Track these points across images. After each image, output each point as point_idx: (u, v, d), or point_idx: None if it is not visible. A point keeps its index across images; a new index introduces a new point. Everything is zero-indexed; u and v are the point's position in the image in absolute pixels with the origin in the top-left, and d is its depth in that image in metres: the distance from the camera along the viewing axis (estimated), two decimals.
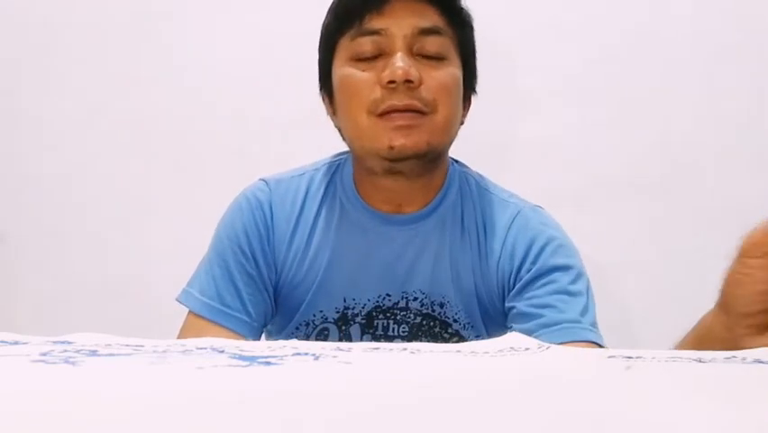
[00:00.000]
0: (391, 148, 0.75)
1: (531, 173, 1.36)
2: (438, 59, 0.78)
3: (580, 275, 0.81)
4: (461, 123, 0.86)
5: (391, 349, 0.43)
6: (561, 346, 0.45)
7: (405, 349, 0.43)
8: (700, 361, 0.38)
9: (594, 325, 0.79)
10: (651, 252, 1.38)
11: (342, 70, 0.79)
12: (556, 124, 1.39)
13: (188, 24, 1.46)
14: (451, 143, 0.83)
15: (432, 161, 0.80)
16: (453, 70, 0.80)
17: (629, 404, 0.29)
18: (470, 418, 0.27)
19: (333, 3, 0.82)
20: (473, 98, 0.88)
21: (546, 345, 0.44)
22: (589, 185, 1.38)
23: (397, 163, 0.77)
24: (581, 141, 1.39)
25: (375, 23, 0.77)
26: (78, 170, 1.48)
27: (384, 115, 0.76)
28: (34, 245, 1.50)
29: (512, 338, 0.46)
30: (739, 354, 0.40)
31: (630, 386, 0.33)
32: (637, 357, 0.39)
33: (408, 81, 0.74)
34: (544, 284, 0.79)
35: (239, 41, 1.44)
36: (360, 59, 0.78)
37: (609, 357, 0.40)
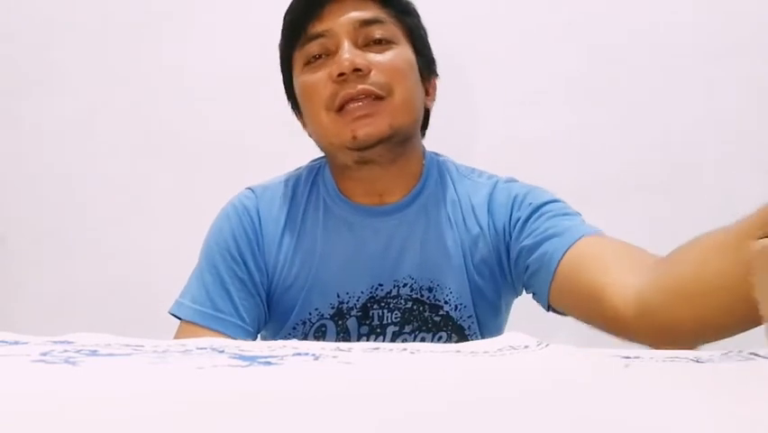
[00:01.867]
0: (354, 138, 0.77)
1: (532, 173, 1.36)
2: (386, 43, 0.80)
3: (569, 206, 0.83)
4: (429, 107, 0.88)
5: (391, 349, 0.43)
6: (560, 345, 0.45)
7: (405, 349, 0.43)
8: (698, 361, 0.39)
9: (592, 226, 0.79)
10: (652, 252, 1.39)
11: (299, 79, 0.83)
12: (558, 124, 1.39)
13: (189, 25, 1.46)
14: (416, 125, 0.84)
15: (400, 144, 0.81)
16: (404, 51, 0.82)
17: (627, 403, 0.29)
18: (469, 418, 0.27)
19: (282, 24, 0.85)
20: (438, 82, 0.90)
21: (545, 342, 0.44)
22: (590, 185, 1.38)
23: (365, 152, 0.79)
24: (582, 141, 1.39)
25: (317, 27, 0.80)
26: (78, 171, 1.48)
27: (342, 108, 0.78)
28: (34, 246, 1.50)
29: (511, 337, 0.46)
30: (735, 349, 0.41)
31: (628, 385, 0.33)
32: (635, 357, 0.40)
33: (357, 70, 0.77)
34: (539, 216, 0.80)
35: (239, 42, 1.44)
36: (311, 64, 0.81)
37: (608, 357, 0.40)
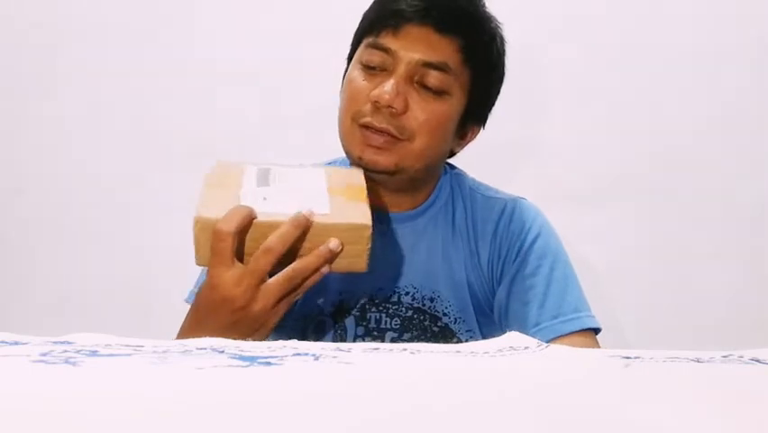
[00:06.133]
0: (360, 158, 0.79)
1: (531, 174, 1.36)
2: (436, 93, 0.79)
3: (555, 263, 0.84)
4: (456, 151, 0.89)
5: (391, 349, 0.43)
6: (560, 346, 0.45)
7: (405, 350, 0.43)
8: (698, 361, 0.39)
9: (576, 309, 0.81)
10: (651, 252, 1.39)
11: (351, 72, 0.83)
12: (556, 124, 1.39)
13: (189, 25, 1.46)
14: (427, 170, 0.84)
15: (407, 181, 0.82)
16: (448, 108, 0.81)
17: (627, 404, 0.29)
18: (469, 418, 0.27)
19: (369, 7, 0.85)
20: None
21: (545, 344, 0.45)
22: (589, 185, 1.38)
23: (369, 173, 0.80)
24: (582, 141, 1.39)
25: (387, 41, 0.79)
26: (79, 171, 1.48)
27: (363, 126, 0.79)
28: (34, 245, 1.50)
29: (511, 338, 0.46)
30: (737, 353, 0.41)
31: (628, 386, 0.33)
32: (636, 357, 0.40)
33: (391, 107, 0.77)
34: (525, 278, 0.83)
35: (240, 42, 1.44)
36: (367, 69, 0.81)
37: (608, 357, 0.40)
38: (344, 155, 0.90)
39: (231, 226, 0.62)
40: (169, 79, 1.46)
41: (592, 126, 1.39)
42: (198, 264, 0.68)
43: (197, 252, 0.67)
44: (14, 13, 1.49)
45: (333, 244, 0.64)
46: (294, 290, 0.65)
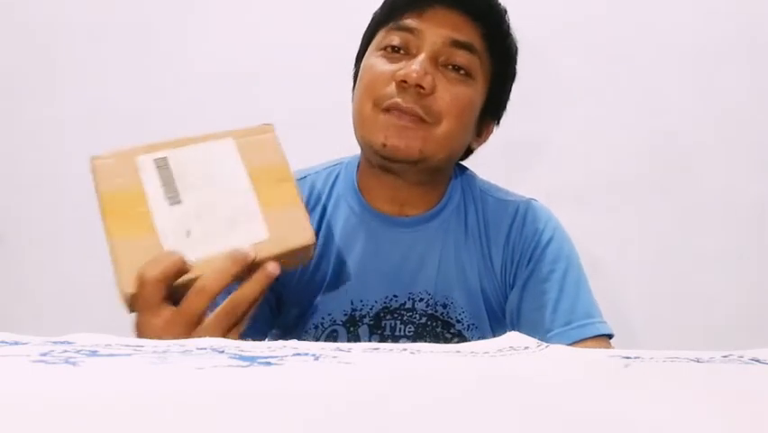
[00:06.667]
0: (384, 145, 0.75)
1: (531, 173, 1.36)
2: (462, 74, 0.77)
3: (569, 268, 0.83)
4: (474, 147, 0.87)
5: (391, 349, 0.43)
6: (560, 346, 0.45)
7: (405, 350, 0.43)
8: (698, 361, 0.39)
9: (588, 315, 0.80)
10: (650, 251, 1.39)
11: (368, 59, 0.80)
12: (557, 123, 1.39)
13: (189, 25, 1.46)
14: (449, 160, 0.83)
15: (427, 172, 0.80)
16: (473, 92, 0.79)
17: (627, 404, 0.29)
18: (469, 418, 0.27)
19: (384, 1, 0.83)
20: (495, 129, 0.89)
21: (545, 344, 0.45)
22: (589, 185, 1.38)
23: (390, 163, 0.78)
24: (582, 140, 1.39)
25: (412, 22, 0.77)
26: (78, 171, 1.48)
27: (387, 110, 0.76)
28: (34, 245, 1.50)
29: (512, 338, 0.46)
30: (737, 353, 0.41)
31: (628, 386, 0.33)
32: (635, 357, 0.40)
33: (419, 86, 0.74)
34: (538, 282, 0.81)
35: (240, 42, 1.44)
36: (387, 52, 0.78)
37: (608, 357, 0.40)
38: (346, 156, 0.90)
39: (155, 273, 0.56)
40: (169, 79, 1.46)
41: (592, 126, 1.39)
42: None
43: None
44: (14, 14, 1.49)
45: (272, 268, 0.58)
46: (236, 322, 0.58)
